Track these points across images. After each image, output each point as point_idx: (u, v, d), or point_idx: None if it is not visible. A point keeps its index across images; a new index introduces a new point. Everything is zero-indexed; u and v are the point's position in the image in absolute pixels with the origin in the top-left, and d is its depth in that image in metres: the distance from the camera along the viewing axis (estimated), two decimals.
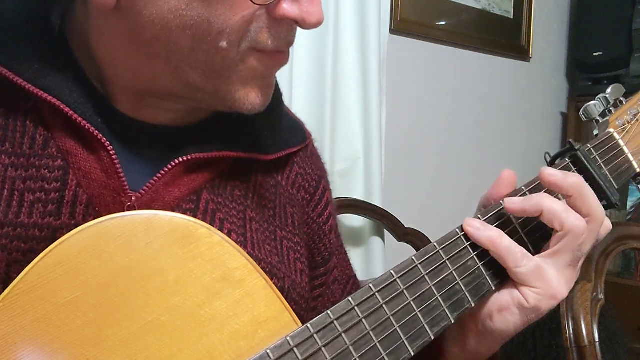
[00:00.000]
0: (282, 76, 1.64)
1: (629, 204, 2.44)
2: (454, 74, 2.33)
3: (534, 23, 2.54)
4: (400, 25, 2.10)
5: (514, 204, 0.64)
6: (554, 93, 2.74)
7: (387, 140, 2.00)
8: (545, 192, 0.66)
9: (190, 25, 0.56)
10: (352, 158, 1.91)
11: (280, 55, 0.63)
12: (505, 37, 2.47)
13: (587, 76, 2.59)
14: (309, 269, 0.80)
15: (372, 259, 1.93)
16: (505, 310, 0.64)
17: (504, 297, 0.64)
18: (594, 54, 2.50)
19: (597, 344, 1.18)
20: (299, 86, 1.77)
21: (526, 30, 2.53)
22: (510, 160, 2.49)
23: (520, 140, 2.55)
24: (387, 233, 1.92)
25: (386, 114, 1.98)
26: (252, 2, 0.56)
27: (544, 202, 0.63)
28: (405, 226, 1.89)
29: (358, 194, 1.89)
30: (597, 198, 0.65)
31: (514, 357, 1.64)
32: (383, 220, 1.87)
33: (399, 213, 1.89)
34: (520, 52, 2.54)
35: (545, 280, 0.62)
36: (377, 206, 1.87)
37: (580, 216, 0.63)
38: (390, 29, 2.06)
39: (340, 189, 1.87)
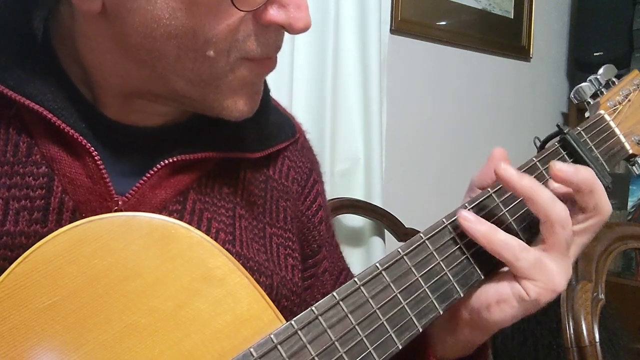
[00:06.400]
0: (282, 76, 1.67)
1: (630, 203, 2.43)
2: (455, 74, 2.33)
3: (534, 23, 2.53)
4: (401, 25, 2.10)
5: (506, 175, 0.65)
6: (554, 93, 2.72)
7: (387, 140, 1.99)
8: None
9: (175, 35, 0.56)
10: (352, 158, 1.90)
11: (268, 61, 0.62)
12: (506, 37, 2.46)
13: (587, 76, 2.56)
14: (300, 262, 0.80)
15: (373, 259, 1.92)
16: (504, 303, 0.62)
17: (503, 289, 0.62)
18: (595, 53, 2.48)
19: (598, 344, 1.18)
20: (299, 86, 1.77)
21: (526, 30, 2.52)
22: (511, 160, 2.47)
23: (521, 140, 2.53)
24: (387, 233, 1.92)
25: (386, 114, 1.97)
26: (237, 8, 0.55)
27: (533, 191, 0.61)
28: (406, 226, 1.88)
29: (358, 194, 1.89)
30: (606, 194, 0.63)
31: (514, 357, 1.64)
32: (383, 220, 1.87)
33: (399, 213, 1.89)
34: (521, 52, 2.53)
35: (546, 273, 0.60)
36: (377, 206, 1.86)
37: (564, 206, 0.61)
38: (390, 29, 2.05)
39: (340, 189, 1.87)
